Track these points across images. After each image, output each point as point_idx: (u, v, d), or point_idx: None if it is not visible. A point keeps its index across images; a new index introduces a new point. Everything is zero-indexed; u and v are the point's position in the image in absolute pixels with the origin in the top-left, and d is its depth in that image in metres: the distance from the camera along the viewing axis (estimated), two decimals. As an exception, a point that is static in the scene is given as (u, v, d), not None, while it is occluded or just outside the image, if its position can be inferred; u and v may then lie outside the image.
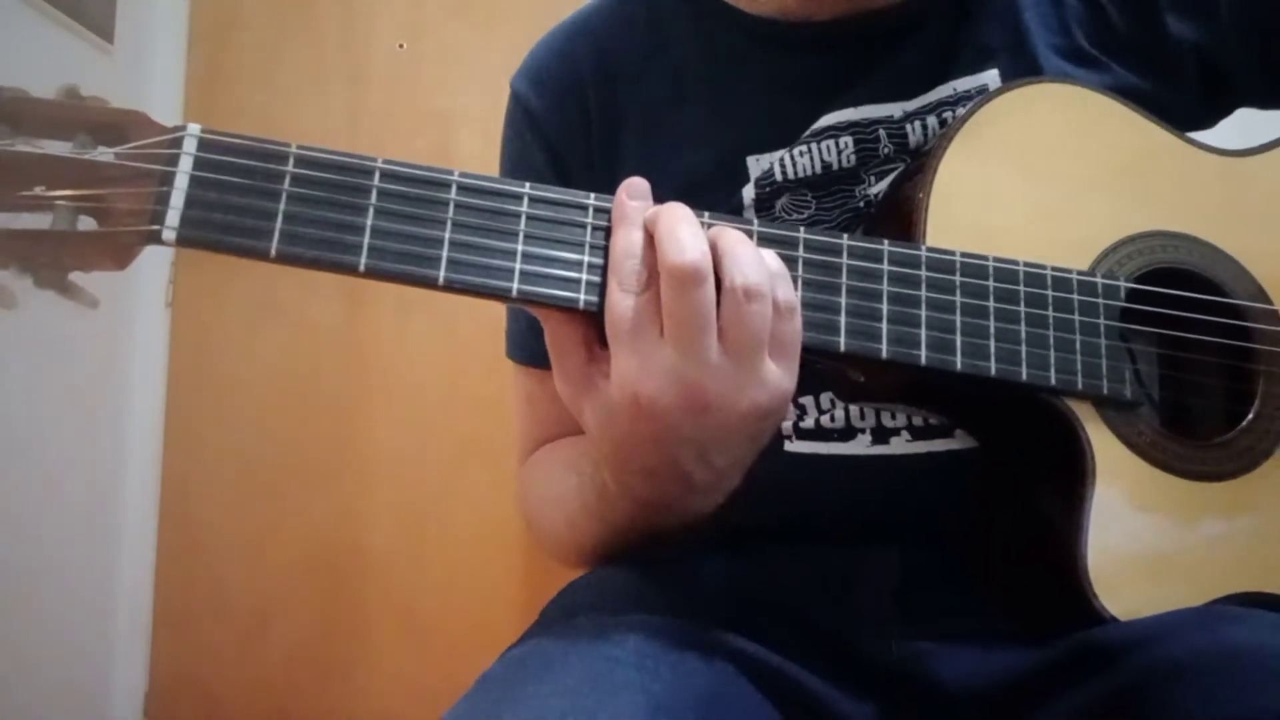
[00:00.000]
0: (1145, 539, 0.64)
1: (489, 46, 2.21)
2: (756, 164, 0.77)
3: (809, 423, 0.75)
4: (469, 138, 2.19)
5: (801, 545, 0.74)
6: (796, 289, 0.59)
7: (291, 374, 2.23)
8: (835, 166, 0.76)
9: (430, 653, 2.10)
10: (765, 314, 0.55)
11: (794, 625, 0.70)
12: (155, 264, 2.24)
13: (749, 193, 0.77)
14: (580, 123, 0.83)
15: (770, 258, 0.57)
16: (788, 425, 0.75)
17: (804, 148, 0.76)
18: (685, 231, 0.55)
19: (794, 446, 0.75)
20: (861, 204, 0.76)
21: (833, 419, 0.74)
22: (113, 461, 2.19)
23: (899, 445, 0.73)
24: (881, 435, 0.73)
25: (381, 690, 2.13)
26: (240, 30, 2.28)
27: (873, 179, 0.75)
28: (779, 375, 0.57)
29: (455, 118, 2.21)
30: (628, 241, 0.56)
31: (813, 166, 0.76)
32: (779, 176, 0.76)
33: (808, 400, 0.75)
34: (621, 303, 0.55)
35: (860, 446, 0.74)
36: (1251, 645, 0.54)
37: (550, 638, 0.62)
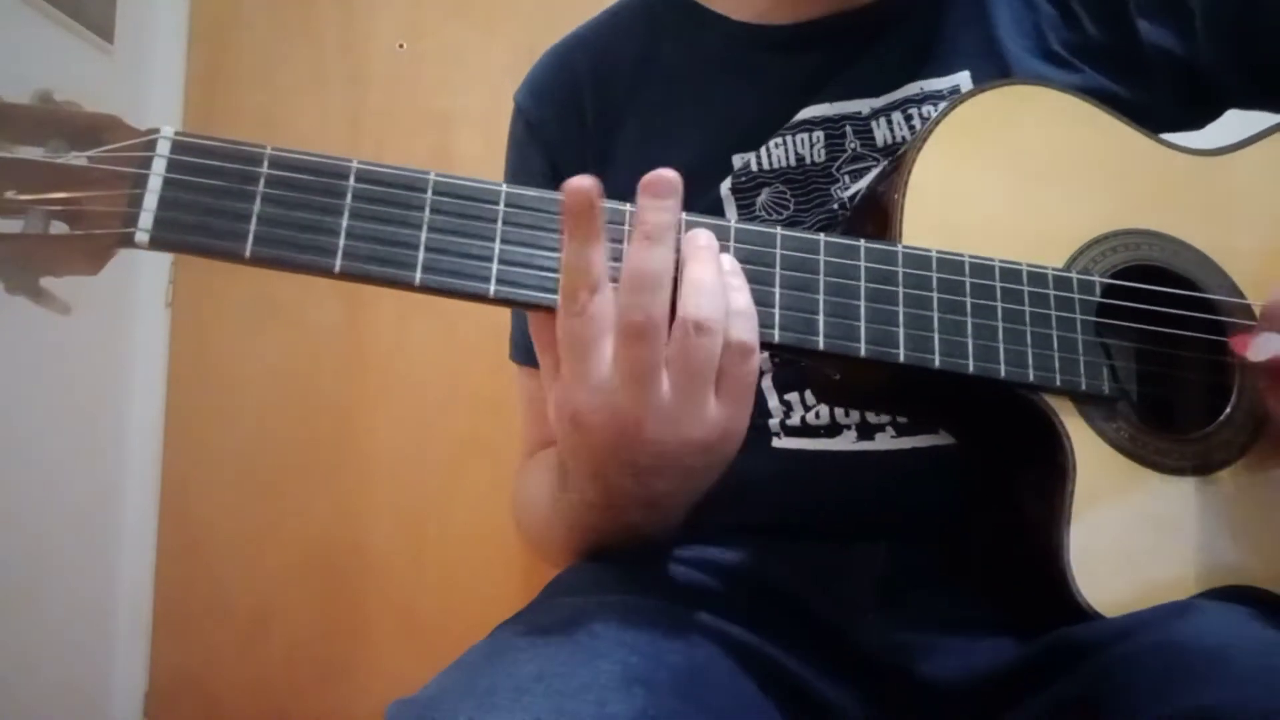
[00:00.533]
0: (1126, 534, 0.64)
1: (489, 46, 2.20)
2: (740, 161, 0.79)
3: (795, 420, 0.76)
4: (469, 138, 2.18)
5: (792, 541, 0.75)
6: (774, 286, 0.59)
7: (291, 374, 2.23)
8: (808, 160, 0.78)
9: (430, 653, 2.07)
10: (713, 349, 0.54)
11: (780, 611, 0.71)
12: (155, 264, 2.24)
13: (726, 185, 0.79)
14: (577, 129, 0.86)
15: (738, 294, 0.56)
16: (774, 422, 0.76)
17: (779, 139, 0.79)
18: (646, 293, 0.54)
19: (781, 443, 0.76)
20: (836, 206, 0.76)
21: (818, 416, 0.75)
22: (113, 461, 2.19)
23: (884, 441, 0.74)
24: (867, 431, 0.74)
25: (381, 690, 2.11)
26: (240, 30, 2.28)
27: (846, 179, 0.77)
28: (720, 415, 0.56)
29: (455, 118, 2.20)
30: (571, 260, 0.55)
31: (787, 158, 0.78)
32: (754, 168, 0.78)
33: (792, 397, 0.76)
34: (564, 325, 0.55)
35: (846, 443, 0.74)
36: (1198, 642, 0.54)
37: (534, 615, 0.63)
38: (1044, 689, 0.59)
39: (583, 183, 0.54)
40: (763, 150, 0.79)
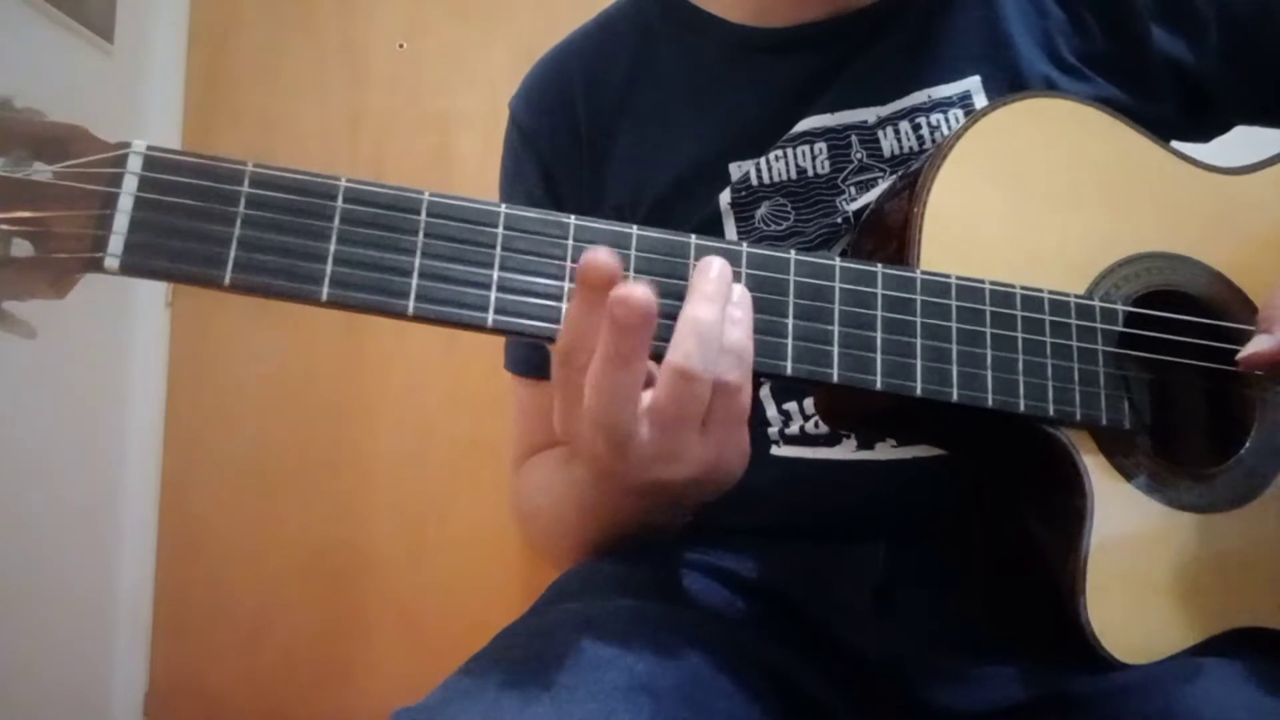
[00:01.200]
0: (1143, 573, 0.62)
1: (489, 46, 2.20)
2: (738, 169, 0.78)
3: (794, 429, 0.75)
4: (469, 138, 2.17)
5: (790, 543, 0.74)
6: (787, 316, 0.56)
7: (292, 374, 2.23)
8: (810, 173, 0.76)
9: (430, 653, 2.10)
10: (700, 395, 0.53)
11: (779, 615, 0.70)
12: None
13: (725, 198, 0.77)
14: (571, 137, 0.84)
15: (731, 330, 0.54)
16: (773, 430, 0.76)
17: (779, 152, 0.77)
18: (615, 406, 0.52)
19: (781, 451, 0.75)
20: (840, 220, 0.75)
21: (817, 425, 0.74)
22: (113, 461, 2.19)
23: (884, 450, 0.73)
24: (866, 440, 0.73)
25: (381, 690, 2.13)
26: (240, 31, 2.28)
27: (852, 190, 0.75)
28: (705, 452, 0.55)
29: (455, 118, 2.20)
30: (580, 319, 0.52)
31: (788, 171, 0.76)
32: (754, 181, 0.77)
33: (791, 406, 0.75)
34: (558, 371, 0.54)
35: (846, 451, 0.73)
36: (1197, 714, 0.53)
37: (538, 621, 0.62)
38: None
39: (606, 259, 0.50)
40: (763, 162, 0.77)
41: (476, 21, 2.22)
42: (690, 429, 0.54)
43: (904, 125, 0.75)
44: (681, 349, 0.52)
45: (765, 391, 0.76)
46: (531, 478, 0.85)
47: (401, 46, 2.24)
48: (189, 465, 2.24)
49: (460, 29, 2.22)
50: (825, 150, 0.76)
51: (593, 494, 0.68)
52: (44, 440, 1.93)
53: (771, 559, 0.74)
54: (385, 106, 2.22)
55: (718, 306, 0.53)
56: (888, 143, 0.75)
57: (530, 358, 0.86)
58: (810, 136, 0.76)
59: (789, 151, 0.76)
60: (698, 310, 0.53)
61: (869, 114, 0.76)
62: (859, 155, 0.75)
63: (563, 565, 0.79)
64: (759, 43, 0.80)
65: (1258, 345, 0.60)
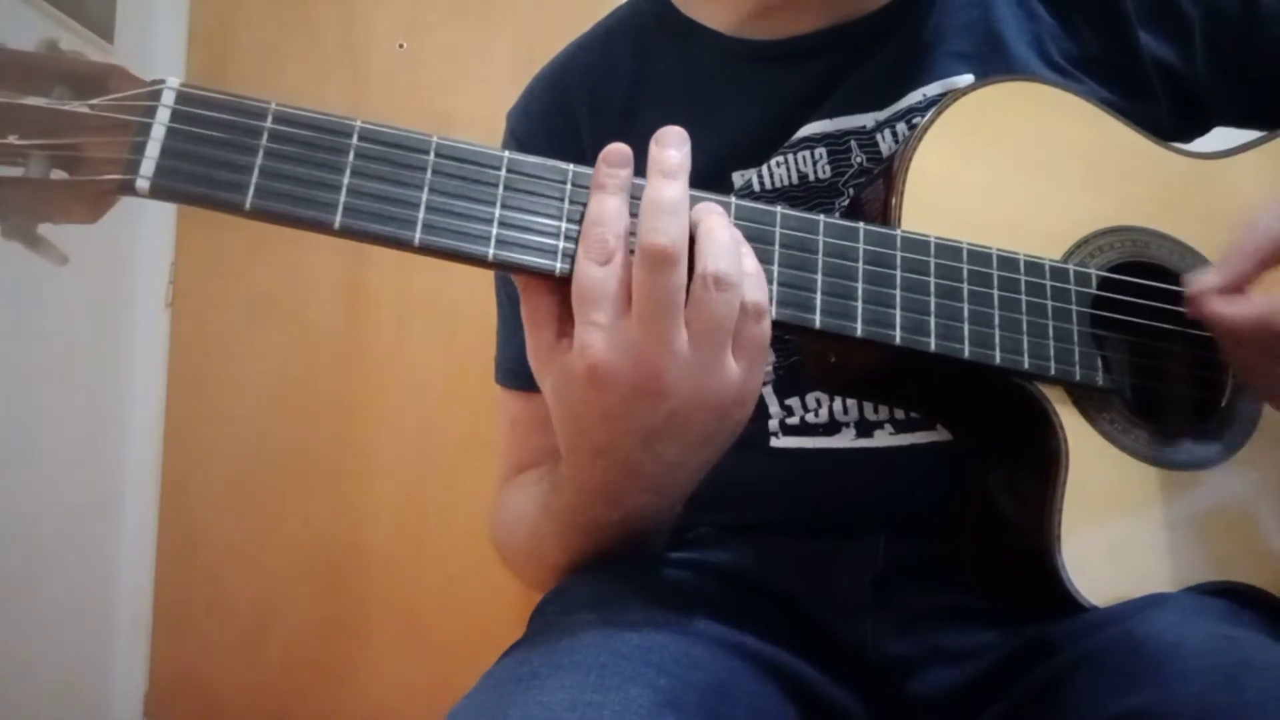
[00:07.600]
0: (1118, 525, 0.63)
1: (489, 46, 2.21)
2: (740, 177, 0.78)
3: (794, 420, 0.75)
4: (469, 138, 2.18)
5: (789, 538, 0.74)
6: (773, 264, 0.59)
7: (291, 374, 2.24)
8: (811, 178, 0.77)
9: (430, 653, 2.10)
10: (731, 304, 0.54)
11: (784, 614, 0.70)
12: (155, 264, 2.25)
13: None
14: (573, 152, 0.84)
15: (748, 258, 0.56)
16: (774, 423, 0.76)
17: (780, 158, 0.77)
18: (666, 216, 0.54)
19: (779, 442, 0.76)
20: (838, 215, 0.76)
21: (817, 415, 0.75)
22: (113, 461, 2.19)
23: (883, 438, 0.73)
24: (865, 429, 0.73)
25: (381, 690, 2.13)
26: (240, 30, 2.30)
27: (851, 191, 0.76)
28: (739, 374, 0.56)
29: (455, 118, 2.21)
30: (600, 209, 0.55)
31: (789, 177, 0.77)
32: (756, 188, 0.77)
33: (793, 401, 0.76)
34: (587, 273, 0.54)
35: (845, 440, 0.74)
36: (1154, 639, 0.53)
37: (554, 634, 0.61)
38: (1014, 687, 0.59)
39: (621, 144, 0.56)
40: (764, 169, 0.77)
41: (476, 21, 2.23)
42: (725, 344, 0.55)
43: (901, 126, 0.76)
44: (709, 256, 0.54)
45: (768, 389, 0.77)
46: (510, 503, 0.84)
47: (401, 46, 2.26)
48: (189, 465, 2.24)
49: (460, 29, 2.24)
50: (825, 155, 0.77)
51: (578, 510, 0.68)
52: (44, 440, 1.93)
53: (770, 557, 0.74)
54: (385, 106, 2.24)
55: (728, 228, 0.56)
56: (886, 145, 0.76)
57: (522, 370, 0.85)
58: (810, 142, 0.77)
59: (790, 157, 0.77)
60: (712, 227, 0.55)
61: (867, 119, 0.77)
62: (859, 159, 0.76)
63: (537, 584, 0.78)
64: (759, 54, 0.80)
65: (1203, 277, 0.62)
